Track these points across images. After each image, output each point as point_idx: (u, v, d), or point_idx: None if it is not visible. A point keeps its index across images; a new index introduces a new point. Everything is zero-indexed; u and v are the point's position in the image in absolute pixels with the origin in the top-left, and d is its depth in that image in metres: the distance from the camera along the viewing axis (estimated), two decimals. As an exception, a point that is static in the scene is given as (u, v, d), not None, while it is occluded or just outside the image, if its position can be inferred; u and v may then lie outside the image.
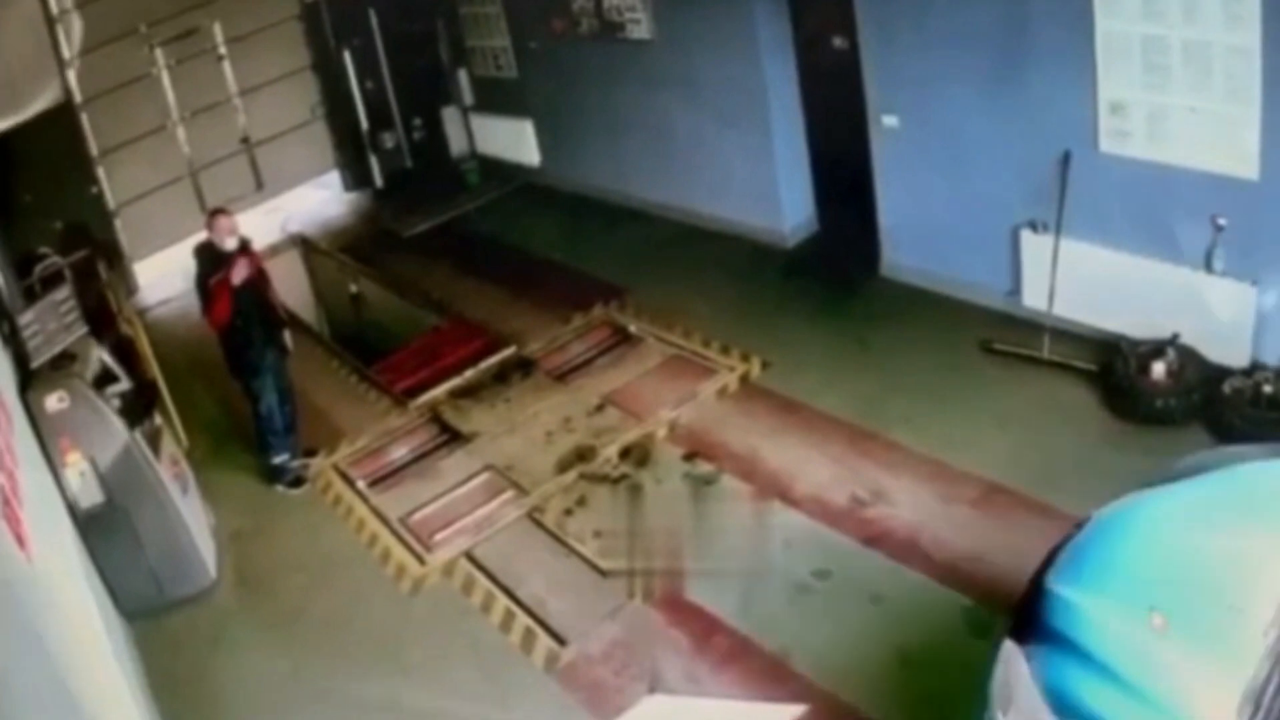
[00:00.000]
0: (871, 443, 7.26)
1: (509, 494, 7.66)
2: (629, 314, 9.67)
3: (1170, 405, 6.80)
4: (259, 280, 7.99)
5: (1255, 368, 6.75)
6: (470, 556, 7.14)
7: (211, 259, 7.76)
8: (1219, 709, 3.39)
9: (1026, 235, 7.82)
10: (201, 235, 8.02)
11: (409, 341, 10.31)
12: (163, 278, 12.51)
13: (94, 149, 12.66)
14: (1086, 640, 3.74)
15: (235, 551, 7.71)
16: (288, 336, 8.35)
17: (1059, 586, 4.00)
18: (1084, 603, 3.86)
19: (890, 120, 8.57)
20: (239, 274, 7.63)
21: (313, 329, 11.14)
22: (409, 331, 10.57)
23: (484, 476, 7.95)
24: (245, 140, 13.82)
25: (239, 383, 8.18)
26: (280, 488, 8.28)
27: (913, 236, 8.83)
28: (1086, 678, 3.67)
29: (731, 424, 7.85)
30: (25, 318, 6.91)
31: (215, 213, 7.99)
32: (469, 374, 9.25)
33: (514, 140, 13.42)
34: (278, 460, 8.28)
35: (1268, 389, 6.57)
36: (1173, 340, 6.99)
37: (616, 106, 11.47)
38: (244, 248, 7.87)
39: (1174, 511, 4.24)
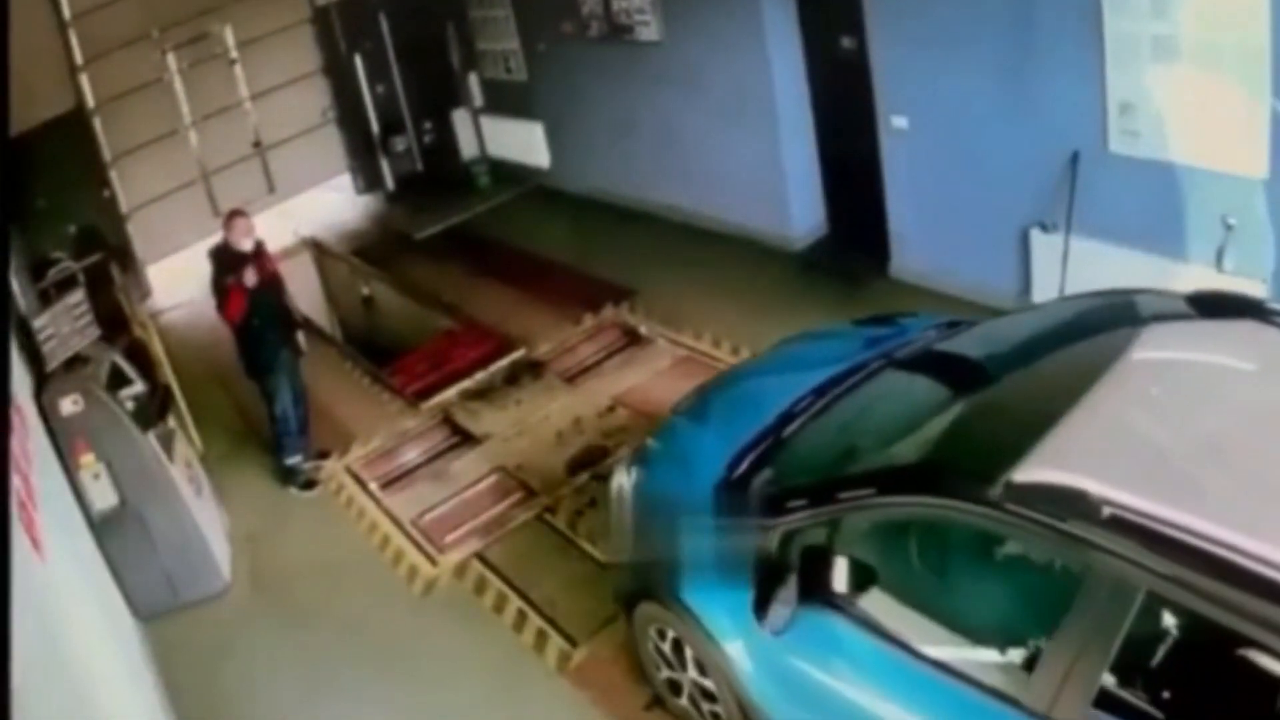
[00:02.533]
0: (882, 443, 7.24)
1: (520, 495, 7.69)
2: (639, 315, 9.69)
3: (1181, 404, 6.76)
4: (274, 281, 8.06)
5: (1266, 367, 6.73)
6: (482, 558, 7.17)
7: (227, 259, 7.83)
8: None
9: (1036, 235, 7.81)
10: (214, 239, 8.08)
11: (421, 344, 10.35)
12: (175, 281, 12.55)
13: (107, 153, 12.72)
14: (662, 435, 5.95)
15: (249, 554, 7.73)
16: (302, 338, 8.40)
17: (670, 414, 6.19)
18: (672, 419, 6.10)
19: (899, 121, 8.56)
20: (251, 277, 7.70)
21: (325, 331, 11.17)
22: (420, 334, 10.60)
23: (495, 478, 7.98)
24: (257, 144, 13.88)
25: (255, 382, 8.23)
26: (293, 490, 8.32)
27: (922, 237, 8.83)
28: (659, 460, 5.72)
29: (742, 425, 7.83)
30: (40, 321, 6.95)
31: (233, 214, 8.06)
32: (480, 376, 9.28)
33: (524, 142, 13.46)
34: (290, 462, 8.32)
35: (1278, 388, 6.55)
36: (1183, 339, 6.97)
37: (626, 108, 11.49)
38: (258, 250, 7.95)
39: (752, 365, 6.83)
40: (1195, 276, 6.94)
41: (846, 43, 9.10)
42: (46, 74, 11.35)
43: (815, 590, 4.22)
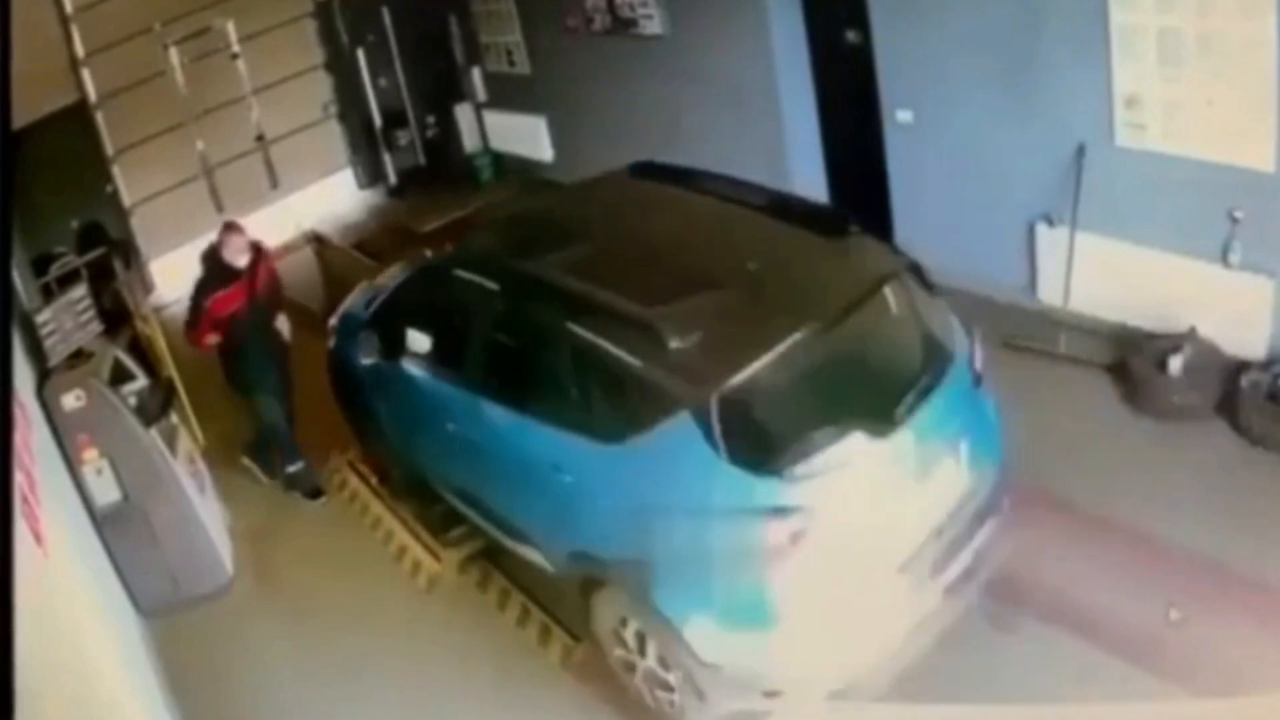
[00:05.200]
0: (886, 438, 7.23)
1: (524, 490, 7.64)
2: (643, 310, 9.61)
3: (1187, 400, 6.78)
4: (269, 298, 7.87)
5: (1273, 361, 6.72)
6: (486, 554, 7.14)
7: (217, 272, 7.62)
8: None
9: (1042, 229, 7.80)
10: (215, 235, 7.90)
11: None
12: (179, 276, 12.49)
13: (109, 148, 12.70)
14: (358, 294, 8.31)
15: (251, 549, 7.72)
16: (285, 327, 8.08)
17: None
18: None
19: (904, 115, 8.54)
20: (229, 305, 7.54)
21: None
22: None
23: (499, 473, 7.92)
24: (260, 138, 13.85)
25: (239, 393, 8.09)
26: (298, 495, 8.21)
27: (927, 231, 8.76)
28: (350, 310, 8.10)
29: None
30: (42, 316, 6.93)
31: (229, 227, 7.78)
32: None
33: (527, 136, 13.42)
34: (293, 469, 8.19)
35: (1285, 383, 6.57)
36: (1189, 334, 6.96)
37: (629, 102, 11.45)
38: (256, 259, 7.74)
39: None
40: (1201, 271, 6.95)
41: (851, 36, 9.06)
42: (49, 68, 11.33)
43: (396, 350, 6.83)
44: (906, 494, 5.07)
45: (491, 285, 6.13)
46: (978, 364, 5.60)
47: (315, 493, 8.25)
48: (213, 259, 7.69)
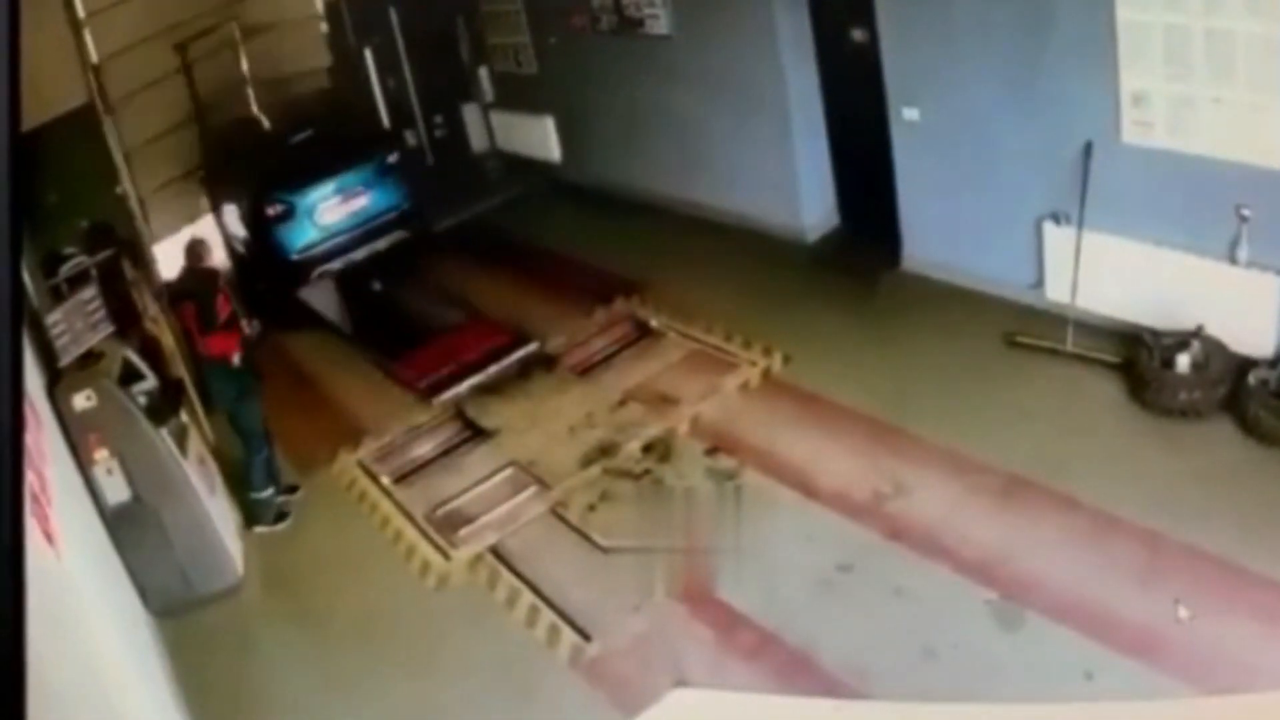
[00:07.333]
0: (894, 436, 7.24)
1: (533, 489, 7.69)
2: (650, 309, 9.67)
3: (1195, 397, 6.77)
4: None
5: (1281, 359, 6.72)
6: (495, 552, 7.17)
7: (208, 282, 7.78)
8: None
9: (1049, 227, 7.79)
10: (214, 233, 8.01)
11: (432, 337, 10.33)
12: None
13: (119, 149, 12.69)
14: None
15: (262, 549, 7.75)
16: (246, 325, 8.03)
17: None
18: None
19: (911, 113, 8.53)
20: (252, 327, 7.81)
21: (336, 325, 11.19)
22: (432, 327, 10.59)
23: (508, 472, 7.98)
24: (267, 140, 13.87)
25: (225, 413, 8.05)
26: (261, 529, 7.98)
27: (934, 230, 8.80)
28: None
29: (754, 418, 7.84)
30: (52, 317, 6.96)
31: (199, 241, 8.03)
32: (492, 370, 9.26)
33: (535, 136, 13.43)
34: (263, 496, 8.00)
35: (1292, 380, 6.57)
36: (1197, 332, 6.95)
37: (637, 102, 11.46)
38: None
39: None
40: (1209, 269, 6.94)
41: (857, 35, 9.06)
42: (58, 69, 11.35)
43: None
44: (336, 206, 11.13)
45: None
46: (388, 161, 11.53)
47: (281, 516, 8.08)
48: (196, 273, 7.84)
